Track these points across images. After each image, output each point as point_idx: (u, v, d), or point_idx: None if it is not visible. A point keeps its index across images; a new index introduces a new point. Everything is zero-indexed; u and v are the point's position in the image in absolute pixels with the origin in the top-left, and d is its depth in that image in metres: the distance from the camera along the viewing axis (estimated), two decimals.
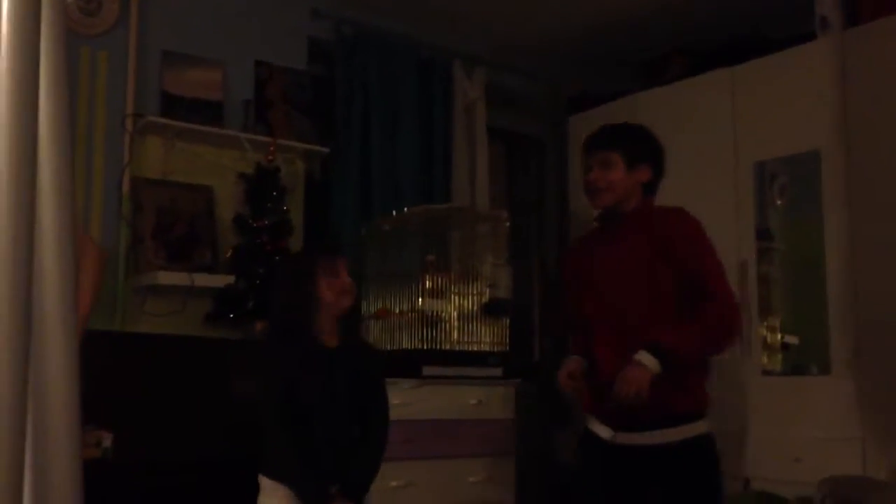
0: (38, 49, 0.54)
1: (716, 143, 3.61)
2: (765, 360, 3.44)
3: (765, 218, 3.54)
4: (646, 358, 2.12)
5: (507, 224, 3.52)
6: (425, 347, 3.14)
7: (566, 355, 2.48)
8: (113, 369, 2.63)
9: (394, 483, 2.96)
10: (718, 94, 3.63)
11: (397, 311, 3.28)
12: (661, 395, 2.14)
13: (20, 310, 0.49)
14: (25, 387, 0.50)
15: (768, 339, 3.47)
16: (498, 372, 3.26)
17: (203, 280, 3.03)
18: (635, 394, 2.10)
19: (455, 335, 3.26)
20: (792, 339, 3.52)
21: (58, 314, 0.55)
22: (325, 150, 3.49)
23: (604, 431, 2.28)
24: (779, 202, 3.60)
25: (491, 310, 3.36)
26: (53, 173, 0.57)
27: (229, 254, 3.15)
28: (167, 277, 2.96)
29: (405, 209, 3.42)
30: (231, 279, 3.08)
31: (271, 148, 3.21)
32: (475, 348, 3.28)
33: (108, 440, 2.35)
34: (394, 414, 2.99)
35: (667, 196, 3.53)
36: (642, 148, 2.38)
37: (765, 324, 3.46)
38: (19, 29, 0.52)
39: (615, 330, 2.30)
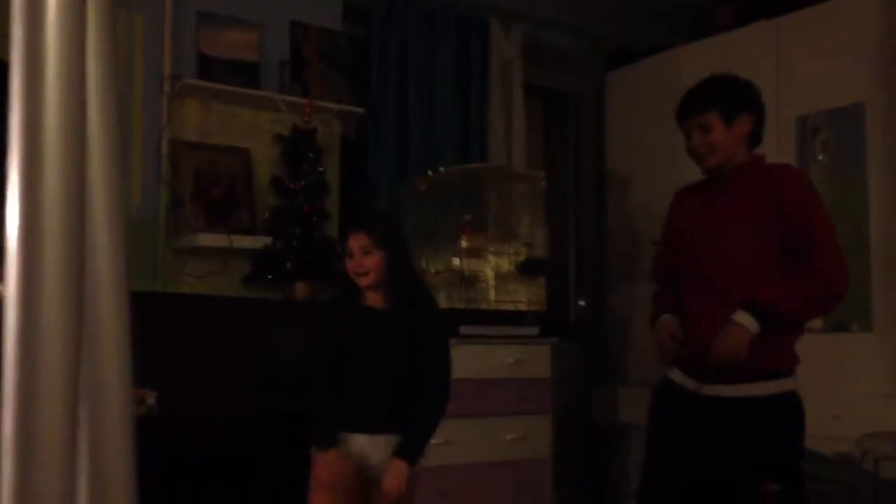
0: (85, 13, 0.54)
1: None
2: None
3: (806, 173, 3.48)
4: (744, 318, 2.09)
5: (544, 183, 3.50)
6: (462, 307, 3.15)
7: (658, 311, 2.37)
8: (155, 329, 2.69)
9: (432, 441, 3.00)
10: (763, 46, 3.55)
11: (434, 270, 3.29)
12: (751, 351, 2.10)
13: (75, 279, 0.50)
14: (78, 359, 0.51)
15: None
16: (535, 331, 3.27)
17: (242, 241, 3.06)
18: (734, 355, 2.09)
19: (492, 294, 3.27)
20: None
21: (111, 282, 0.57)
22: (361, 110, 3.48)
23: (689, 382, 2.25)
24: (821, 157, 3.53)
25: (527, 269, 3.35)
26: (102, 141, 0.58)
27: (267, 215, 3.18)
28: (207, 239, 2.99)
29: (441, 169, 3.42)
30: (269, 240, 3.11)
31: (307, 109, 3.21)
32: (512, 307, 3.29)
33: (151, 398, 2.40)
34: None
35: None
36: (737, 99, 2.29)
37: None
38: None
39: (712, 286, 2.23)
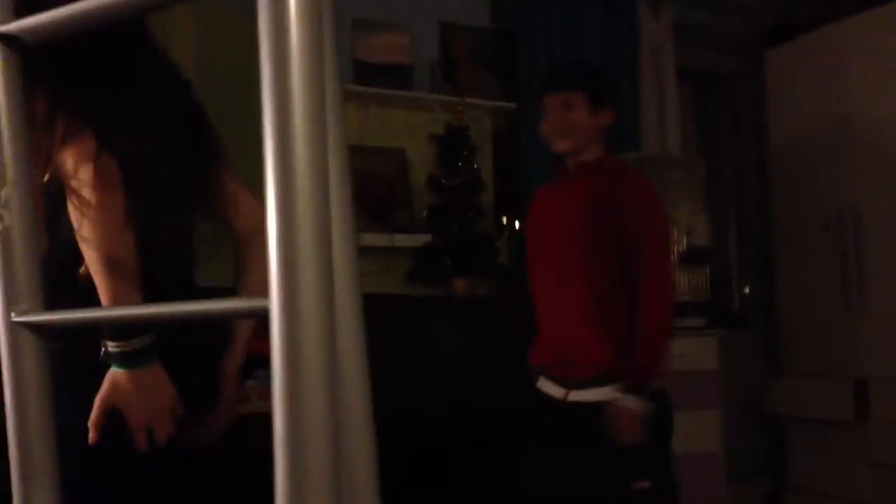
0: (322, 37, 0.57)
1: None
2: None
3: None
4: (629, 401, 2.08)
5: (703, 169, 3.39)
6: None
7: None
8: None
9: None
10: None
11: None
12: (603, 355, 2.12)
13: (328, 294, 0.53)
14: (334, 368, 0.54)
15: None
16: (699, 322, 3.18)
17: (402, 240, 3.14)
18: (632, 437, 2.08)
19: None
20: None
21: (348, 294, 0.59)
22: (512, 105, 3.49)
23: (554, 389, 2.22)
24: None
25: (689, 258, 3.26)
26: (335, 157, 0.61)
27: (425, 213, 3.24)
28: (369, 239, 3.08)
29: None
30: (428, 238, 3.17)
31: (460, 107, 3.25)
32: (675, 299, 3.20)
33: None
34: None
35: (875, 128, 3.28)
36: (606, 88, 2.26)
37: None
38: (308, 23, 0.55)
39: (556, 286, 2.22)
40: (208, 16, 2.70)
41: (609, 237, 2.15)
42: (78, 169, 1.22)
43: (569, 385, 2.19)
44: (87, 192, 1.21)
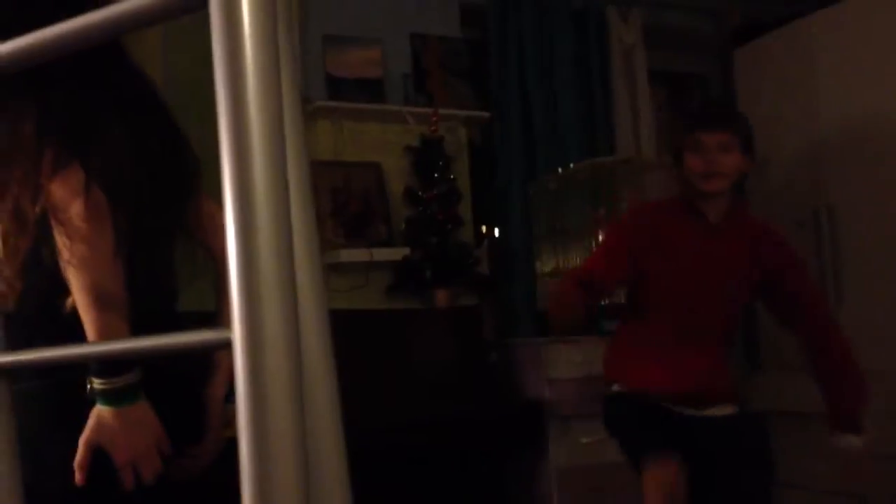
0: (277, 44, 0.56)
1: None
2: None
3: None
4: (850, 440, 2.25)
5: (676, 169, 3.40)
6: (604, 303, 3.11)
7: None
8: None
9: (585, 440, 2.98)
10: None
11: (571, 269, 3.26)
12: (729, 389, 2.30)
13: (292, 320, 0.52)
14: (300, 390, 0.53)
15: None
16: None
17: (381, 254, 3.13)
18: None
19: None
20: None
21: (315, 319, 0.59)
22: (486, 114, 3.49)
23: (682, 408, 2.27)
24: None
25: None
26: (295, 174, 0.60)
27: (403, 226, 3.24)
28: (348, 255, 3.07)
29: (570, 165, 3.38)
30: (407, 251, 3.17)
31: (434, 118, 3.25)
32: None
33: None
34: (572, 372, 3.00)
35: (845, 122, 3.29)
36: (752, 134, 2.27)
37: None
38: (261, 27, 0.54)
39: (705, 329, 2.23)
40: (175, 30, 2.68)
41: (754, 288, 2.27)
42: (69, 202, 1.19)
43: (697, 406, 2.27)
44: (77, 225, 1.18)
